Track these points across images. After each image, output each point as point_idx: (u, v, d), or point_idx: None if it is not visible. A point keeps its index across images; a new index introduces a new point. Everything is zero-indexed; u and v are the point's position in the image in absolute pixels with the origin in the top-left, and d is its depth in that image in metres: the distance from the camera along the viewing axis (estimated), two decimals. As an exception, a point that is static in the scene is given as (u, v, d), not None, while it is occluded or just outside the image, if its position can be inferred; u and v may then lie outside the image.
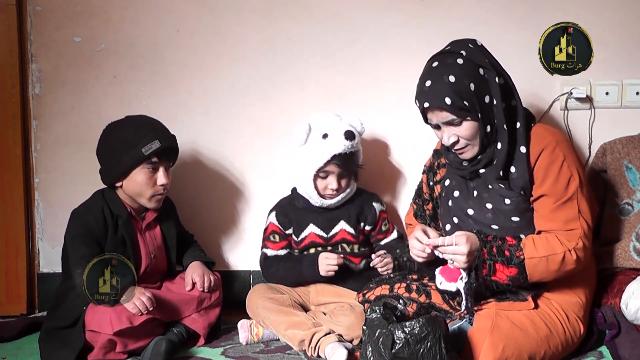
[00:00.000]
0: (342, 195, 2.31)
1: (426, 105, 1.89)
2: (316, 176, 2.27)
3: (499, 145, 1.92)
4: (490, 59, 1.93)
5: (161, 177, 2.19)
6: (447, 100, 1.85)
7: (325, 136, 2.24)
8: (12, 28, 2.55)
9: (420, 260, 1.96)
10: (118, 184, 2.20)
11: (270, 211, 2.41)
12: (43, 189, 2.63)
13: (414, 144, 2.52)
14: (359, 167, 2.35)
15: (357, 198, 2.38)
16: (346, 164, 2.26)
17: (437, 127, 1.95)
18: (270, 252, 2.36)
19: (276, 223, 2.37)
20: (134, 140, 2.13)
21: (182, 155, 2.30)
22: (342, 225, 2.34)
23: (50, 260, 2.63)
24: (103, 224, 2.16)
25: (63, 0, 2.57)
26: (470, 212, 1.99)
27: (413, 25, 2.50)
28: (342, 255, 2.26)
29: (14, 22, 2.55)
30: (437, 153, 2.18)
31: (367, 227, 2.38)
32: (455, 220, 2.03)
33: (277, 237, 2.37)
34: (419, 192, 2.24)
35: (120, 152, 2.14)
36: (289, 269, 2.30)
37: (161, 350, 2.03)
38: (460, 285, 1.86)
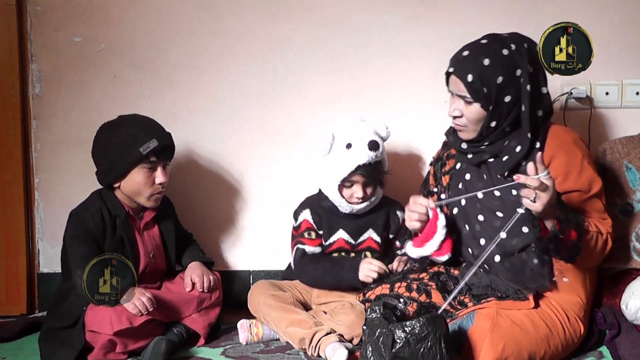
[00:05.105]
0: (372, 199, 2.28)
1: (451, 70, 1.96)
2: (341, 186, 2.24)
3: (517, 149, 1.93)
4: (536, 65, 1.94)
5: (159, 176, 2.18)
6: (469, 77, 1.90)
7: (349, 146, 2.19)
8: (12, 28, 2.54)
9: (415, 224, 1.97)
10: (116, 185, 2.20)
11: (301, 208, 2.35)
12: (43, 189, 2.63)
13: (416, 146, 2.52)
14: (385, 173, 2.30)
15: (383, 206, 2.34)
16: (371, 173, 2.22)
17: (451, 94, 2.00)
18: (308, 249, 2.30)
19: (310, 220, 2.32)
20: (131, 140, 2.13)
21: (181, 155, 2.30)
22: (370, 234, 2.31)
23: (50, 260, 2.62)
24: (101, 224, 2.16)
25: (63, 0, 2.56)
26: (480, 195, 1.99)
27: (413, 26, 2.49)
28: (384, 266, 2.18)
29: (14, 22, 2.54)
30: (446, 145, 2.20)
31: (391, 236, 2.36)
32: (463, 202, 2.04)
33: (312, 234, 2.31)
34: (425, 183, 2.26)
35: (117, 152, 2.14)
36: (329, 270, 2.23)
37: (161, 350, 2.03)
38: (438, 239, 1.92)
